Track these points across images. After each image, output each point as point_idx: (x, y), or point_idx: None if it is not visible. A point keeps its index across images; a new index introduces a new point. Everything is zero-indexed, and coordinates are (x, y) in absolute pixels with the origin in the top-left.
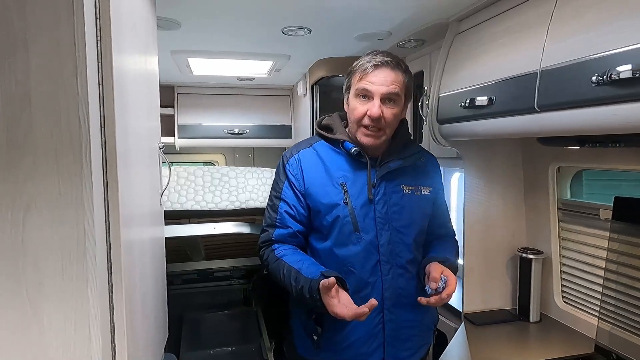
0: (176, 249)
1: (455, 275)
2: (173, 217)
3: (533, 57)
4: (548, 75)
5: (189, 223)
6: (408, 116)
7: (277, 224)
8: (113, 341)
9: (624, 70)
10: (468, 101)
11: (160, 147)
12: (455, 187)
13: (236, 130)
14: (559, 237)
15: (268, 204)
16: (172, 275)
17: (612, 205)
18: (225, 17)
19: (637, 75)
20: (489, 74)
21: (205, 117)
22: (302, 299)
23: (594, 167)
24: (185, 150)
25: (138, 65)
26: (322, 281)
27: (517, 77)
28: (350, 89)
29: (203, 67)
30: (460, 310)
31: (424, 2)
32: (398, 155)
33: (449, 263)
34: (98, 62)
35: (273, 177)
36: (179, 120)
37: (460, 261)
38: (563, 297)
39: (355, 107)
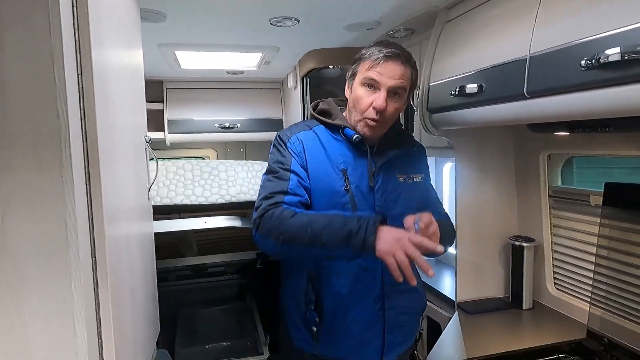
0: (168, 244)
1: (442, 250)
2: (162, 211)
3: (522, 43)
4: (537, 60)
5: (179, 218)
6: None
7: (289, 191)
8: (100, 337)
9: (613, 53)
10: (458, 89)
11: (147, 140)
12: (447, 177)
13: (227, 125)
14: (551, 224)
15: (270, 177)
16: (166, 271)
17: (602, 191)
18: (211, 8)
19: (626, 58)
20: (478, 62)
21: (196, 112)
22: (334, 239)
23: (584, 154)
24: (176, 146)
25: (120, 57)
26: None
27: (506, 63)
28: (355, 76)
29: (191, 61)
30: (454, 300)
31: None
32: (394, 145)
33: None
34: (76, 51)
35: (263, 170)
36: (169, 115)
37: (452, 250)
38: (555, 283)
39: (361, 96)
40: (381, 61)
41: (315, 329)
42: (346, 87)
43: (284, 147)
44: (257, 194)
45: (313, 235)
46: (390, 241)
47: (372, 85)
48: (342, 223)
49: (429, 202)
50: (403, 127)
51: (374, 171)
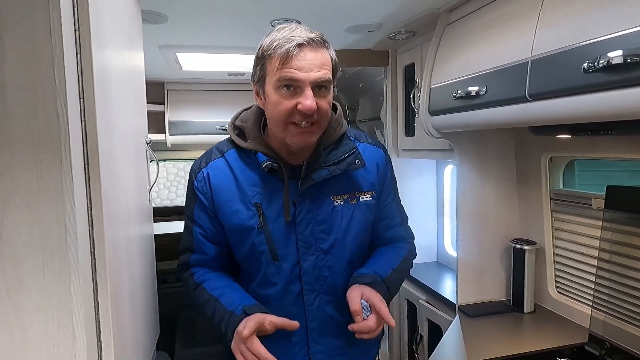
0: (168, 246)
1: (394, 289)
2: (163, 213)
3: (524, 45)
4: (539, 63)
5: (180, 219)
6: (400, 110)
7: (194, 248)
8: (99, 340)
9: (616, 56)
10: (459, 92)
11: (148, 142)
12: (448, 179)
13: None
14: (552, 227)
15: (184, 222)
16: (166, 273)
17: (604, 194)
18: (212, 10)
19: (629, 60)
20: (480, 64)
21: (197, 114)
22: (218, 332)
23: (586, 157)
24: (177, 147)
25: (121, 58)
26: (239, 329)
27: (508, 66)
28: (265, 79)
29: (192, 63)
30: (455, 303)
31: None
32: (325, 161)
33: (379, 280)
34: (76, 53)
35: None
36: (170, 116)
37: (454, 253)
38: (557, 287)
39: (279, 101)
40: (294, 52)
41: None
42: (254, 95)
43: (191, 187)
44: None
45: (205, 318)
46: (235, 347)
47: (291, 85)
48: (219, 319)
49: (382, 222)
50: (345, 127)
51: (294, 200)
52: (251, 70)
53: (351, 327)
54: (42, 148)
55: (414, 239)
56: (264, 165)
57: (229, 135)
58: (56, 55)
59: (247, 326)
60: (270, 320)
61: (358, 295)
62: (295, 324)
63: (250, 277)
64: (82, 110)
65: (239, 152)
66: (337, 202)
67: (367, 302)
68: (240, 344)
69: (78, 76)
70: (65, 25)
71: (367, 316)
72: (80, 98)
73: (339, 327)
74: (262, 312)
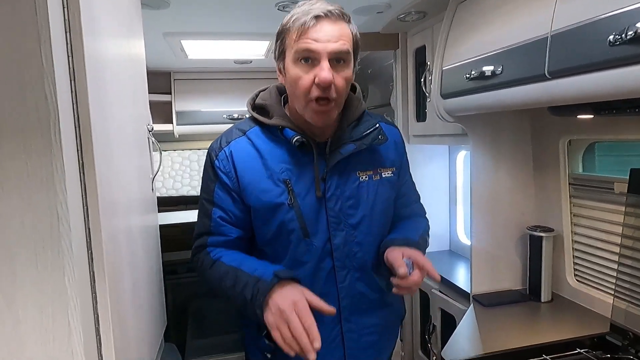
0: (175, 237)
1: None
2: (168, 203)
3: (543, 20)
4: (559, 38)
5: (186, 209)
6: (410, 94)
7: (212, 231)
8: (98, 333)
9: None
10: (473, 72)
11: (150, 130)
12: (461, 166)
13: (235, 116)
14: (571, 213)
15: (199, 207)
16: (175, 264)
17: (627, 178)
18: None
19: None
20: (495, 43)
21: (204, 103)
22: (240, 304)
23: (608, 139)
24: (184, 138)
25: (117, 41)
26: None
27: (526, 43)
28: (285, 54)
29: (198, 51)
30: (469, 292)
31: None
32: (351, 136)
33: (412, 243)
34: (65, 31)
35: None
36: (177, 106)
37: (467, 241)
38: (575, 275)
39: (298, 75)
40: (311, 24)
41: (269, 355)
42: (277, 73)
43: (210, 167)
44: None
45: (225, 293)
46: (276, 313)
47: (309, 57)
48: (242, 287)
49: (400, 199)
50: (364, 106)
51: (324, 176)
52: (258, 58)
53: (396, 282)
54: (30, 132)
55: (426, 214)
56: (294, 140)
57: (246, 118)
58: (42, 34)
59: (305, 291)
60: (307, 296)
61: (399, 255)
62: (332, 309)
63: (275, 259)
64: (74, 93)
65: (262, 130)
66: (362, 177)
67: (409, 259)
68: (290, 309)
69: (68, 56)
70: (51, 2)
71: (411, 272)
72: (70, 80)
73: (369, 304)
74: (294, 279)
